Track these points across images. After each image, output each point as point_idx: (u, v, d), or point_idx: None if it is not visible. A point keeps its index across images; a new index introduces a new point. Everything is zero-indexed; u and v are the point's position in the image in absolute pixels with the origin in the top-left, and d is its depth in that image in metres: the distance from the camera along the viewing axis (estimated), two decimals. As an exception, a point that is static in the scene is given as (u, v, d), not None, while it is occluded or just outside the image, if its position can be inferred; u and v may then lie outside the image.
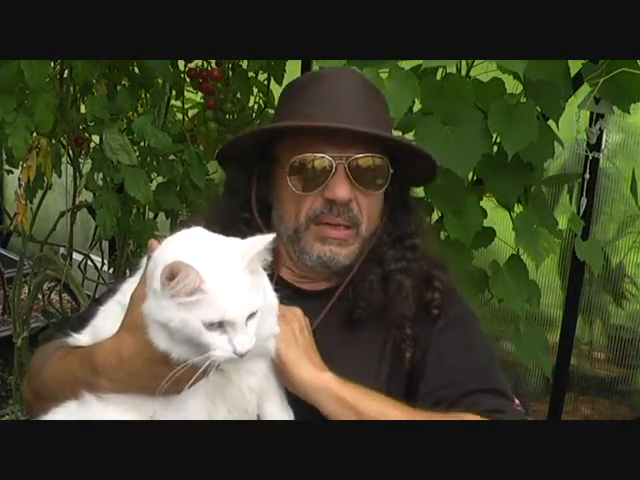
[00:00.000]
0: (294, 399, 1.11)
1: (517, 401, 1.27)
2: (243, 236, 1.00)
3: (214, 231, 1.01)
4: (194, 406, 0.99)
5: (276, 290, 1.07)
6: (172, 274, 0.88)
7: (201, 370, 0.92)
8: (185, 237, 0.98)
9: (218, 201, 1.35)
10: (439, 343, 1.22)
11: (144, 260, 1.02)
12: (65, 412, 1.01)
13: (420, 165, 1.27)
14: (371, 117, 1.21)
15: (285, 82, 2.40)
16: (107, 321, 1.05)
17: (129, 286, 1.04)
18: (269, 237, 0.96)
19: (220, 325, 0.90)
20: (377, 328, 1.23)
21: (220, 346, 0.90)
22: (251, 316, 0.92)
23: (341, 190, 1.19)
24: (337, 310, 1.23)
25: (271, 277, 1.05)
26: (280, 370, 1.11)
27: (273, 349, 1.06)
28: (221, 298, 0.89)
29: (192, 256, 0.91)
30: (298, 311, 1.17)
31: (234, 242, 0.97)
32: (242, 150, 1.28)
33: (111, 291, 1.17)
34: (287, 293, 1.17)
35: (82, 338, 1.10)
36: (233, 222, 1.21)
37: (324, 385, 1.10)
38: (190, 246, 0.95)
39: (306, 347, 1.14)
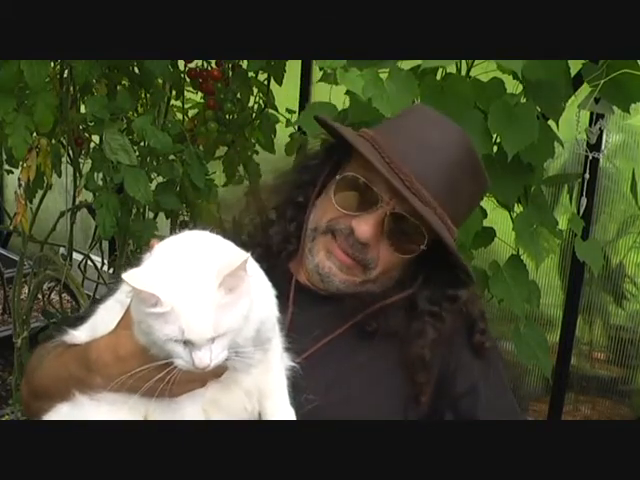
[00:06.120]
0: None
1: None
2: (292, 214, 1.01)
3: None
4: (191, 413, 0.99)
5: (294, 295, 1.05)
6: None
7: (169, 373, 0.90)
8: (172, 244, 0.96)
9: (291, 172, 1.31)
10: (487, 392, 1.21)
11: (145, 257, 1.01)
12: (58, 414, 1.01)
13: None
14: (449, 199, 1.15)
15: (285, 82, 2.40)
16: (106, 318, 1.05)
17: None
18: (243, 257, 0.88)
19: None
20: (392, 348, 1.19)
21: (181, 357, 0.90)
22: (219, 335, 0.90)
23: (366, 231, 1.13)
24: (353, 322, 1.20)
25: (289, 280, 1.03)
26: None
27: (269, 355, 1.04)
28: (182, 318, 0.87)
29: (164, 270, 0.90)
30: None
31: (219, 253, 0.93)
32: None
33: (112, 291, 1.17)
34: (307, 297, 1.17)
35: (79, 335, 1.10)
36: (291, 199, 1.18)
37: None
38: (168, 257, 0.93)
39: None
